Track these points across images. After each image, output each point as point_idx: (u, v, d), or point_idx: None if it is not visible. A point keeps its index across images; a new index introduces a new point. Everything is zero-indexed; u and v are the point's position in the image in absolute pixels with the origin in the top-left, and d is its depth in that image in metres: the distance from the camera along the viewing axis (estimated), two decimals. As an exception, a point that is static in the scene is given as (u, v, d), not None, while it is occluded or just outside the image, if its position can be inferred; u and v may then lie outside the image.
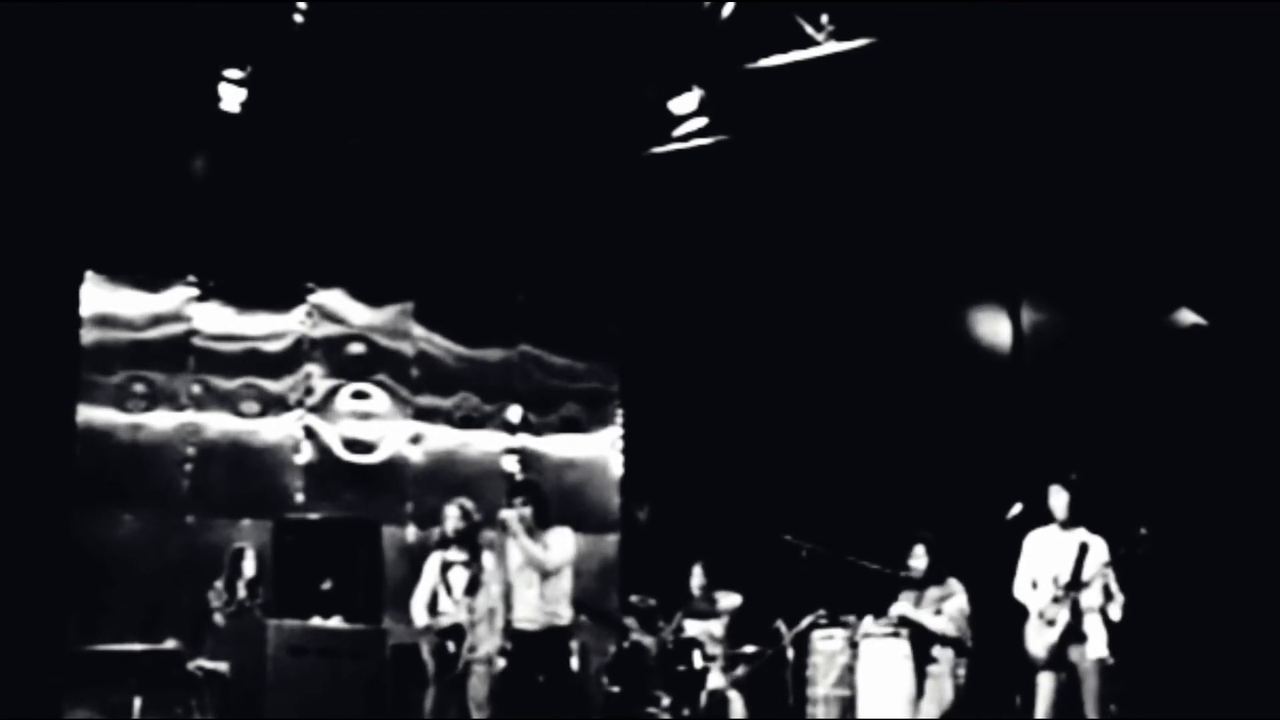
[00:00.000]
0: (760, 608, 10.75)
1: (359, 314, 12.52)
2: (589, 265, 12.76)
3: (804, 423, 12.41)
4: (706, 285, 12.64)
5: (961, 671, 9.91)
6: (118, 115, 10.84)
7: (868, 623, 10.24)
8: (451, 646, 9.29)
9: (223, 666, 10.01)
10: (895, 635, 9.99)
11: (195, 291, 12.08)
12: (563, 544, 8.81)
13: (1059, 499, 8.94)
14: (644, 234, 12.65)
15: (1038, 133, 10.74)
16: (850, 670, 10.25)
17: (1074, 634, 8.73)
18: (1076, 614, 8.72)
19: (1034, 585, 8.96)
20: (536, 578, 8.72)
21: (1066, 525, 8.93)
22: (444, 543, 9.61)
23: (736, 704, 10.53)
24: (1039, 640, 8.83)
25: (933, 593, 10.02)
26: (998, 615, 9.63)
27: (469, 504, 9.62)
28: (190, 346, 12.03)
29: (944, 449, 11.65)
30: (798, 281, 12.48)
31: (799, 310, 12.49)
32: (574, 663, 8.99)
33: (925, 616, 9.93)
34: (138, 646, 10.09)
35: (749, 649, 10.67)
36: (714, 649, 10.58)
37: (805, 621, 10.46)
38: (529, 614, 8.72)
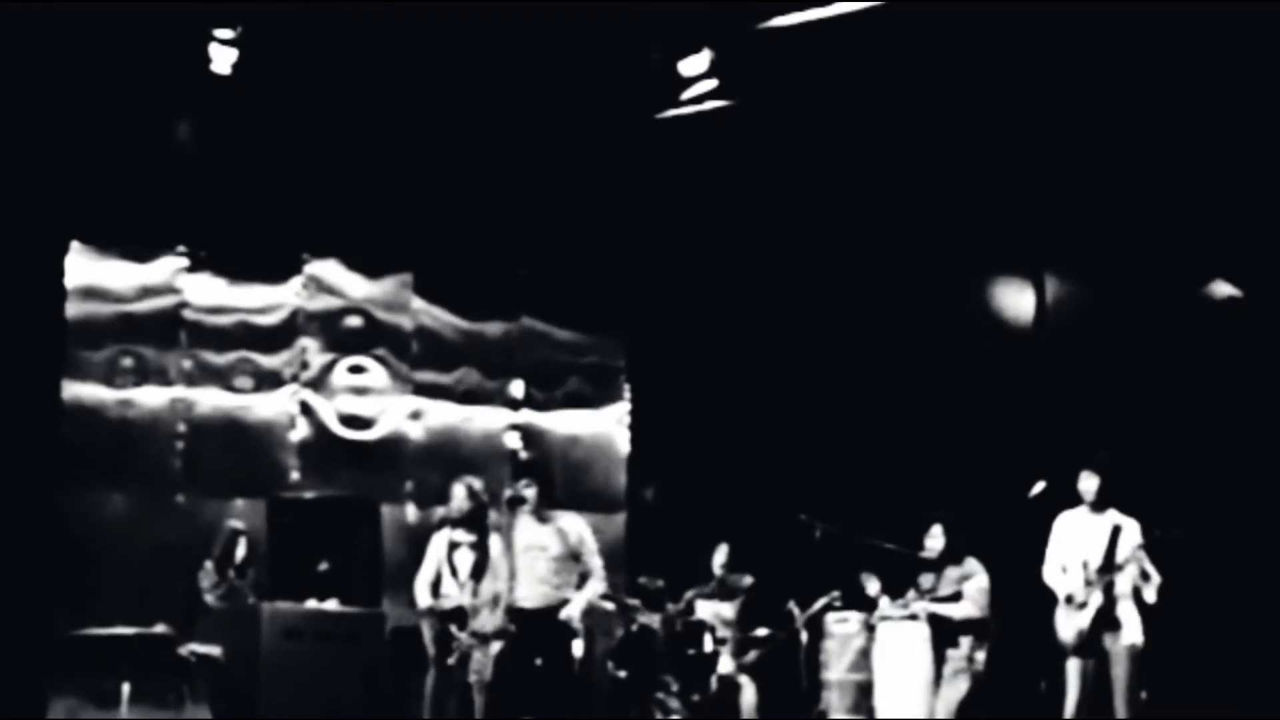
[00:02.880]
0: (773, 589, 10.68)
1: (356, 286, 12.40)
2: (594, 235, 12.65)
3: (818, 398, 12.32)
4: (716, 256, 12.54)
5: (981, 655, 9.81)
6: (103, 77, 10.66)
7: (885, 605, 10.19)
8: (454, 629, 9.21)
9: (216, 651, 9.93)
10: (913, 618, 9.92)
11: (186, 262, 11.93)
12: (575, 529, 8.81)
13: (1089, 481, 8.87)
14: (651, 203, 12.54)
15: (1063, 97, 10.62)
16: (866, 654, 10.24)
17: (1107, 619, 8.65)
18: (1110, 599, 8.66)
19: (1064, 570, 8.88)
20: (543, 557, 8.69)
21: (1097, 507, 8.86)
22: (450, 522, 9.56)
23: (748, 689, 10.46)
24: (1069, 625, 8.76)
25: (951, 573, 9.94)
26: (1020, 597, 9.54)
27: (476, 483, 9.59)
28: (181, 319, 11.89)
29: (964, 425, 11.58)
30: (812, 252, 12.38)
31: (813, 282, 12.40)
32: (576, 644, 8.86)
33: (947, 608, 9.81)
34: (127, 631, 9.95)
35: (761, 632, 10.58)
36: (725, 632, 10.50)
37: (819, 603, 10.42)
38: (531, 591, 8.67)
